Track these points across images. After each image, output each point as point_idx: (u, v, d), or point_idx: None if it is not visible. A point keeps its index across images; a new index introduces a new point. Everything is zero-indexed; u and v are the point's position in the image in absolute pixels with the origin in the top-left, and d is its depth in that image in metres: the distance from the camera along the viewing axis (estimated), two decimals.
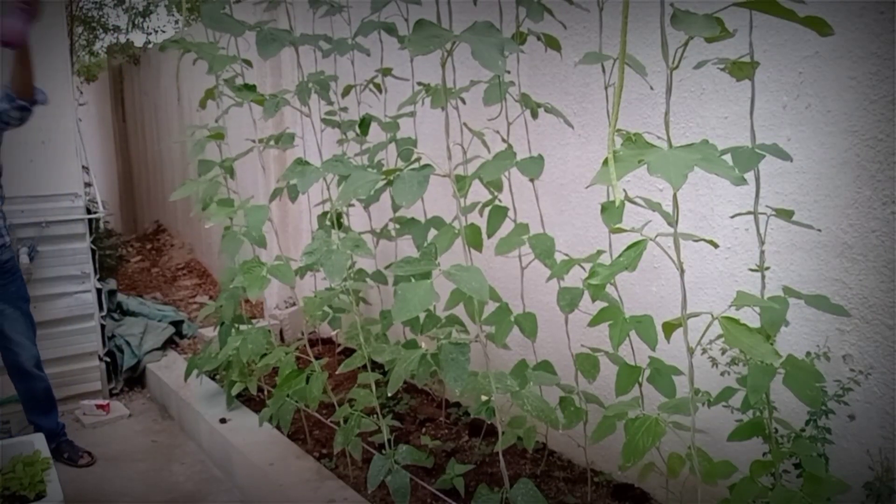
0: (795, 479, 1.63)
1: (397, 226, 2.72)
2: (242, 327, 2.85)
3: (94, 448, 3.16)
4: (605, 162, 1.05)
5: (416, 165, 1.61)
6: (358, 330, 2.40)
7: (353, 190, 1.55)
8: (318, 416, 2.83)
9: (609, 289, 1.88)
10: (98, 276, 3.71)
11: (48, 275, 3.46)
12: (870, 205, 1.69)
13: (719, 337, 1.24)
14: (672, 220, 1.23)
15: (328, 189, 2.64)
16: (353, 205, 3.09)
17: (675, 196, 1.16)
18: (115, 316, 4.14)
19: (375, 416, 2.35)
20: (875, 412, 1.74)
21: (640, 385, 1.85)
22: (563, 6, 2.03)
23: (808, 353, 1.72)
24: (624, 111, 2.15)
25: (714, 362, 1.77)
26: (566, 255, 1.98)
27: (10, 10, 2.40)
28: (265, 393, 3.16)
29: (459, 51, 1.80)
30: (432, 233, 2.39)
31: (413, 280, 1.55)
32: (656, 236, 1.27)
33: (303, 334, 2.90)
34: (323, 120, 2.84)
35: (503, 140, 2.12)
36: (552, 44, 2.10)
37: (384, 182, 1.57)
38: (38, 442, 2.44)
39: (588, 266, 1.62)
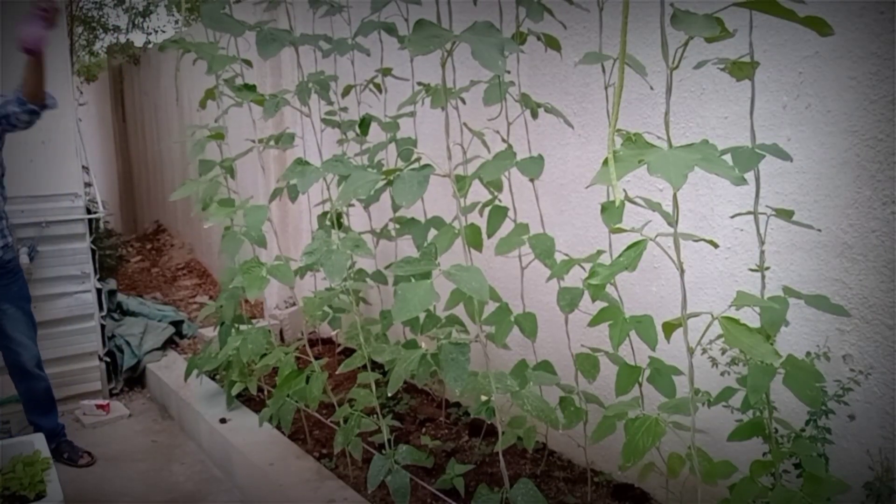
0: (795, 479, 1.63)
1: (397, 226, 2.72)
2: (242, 327, 2.86)
3: (94, 448, 3.16)
4: (605, 162, 1.05)
5: (416, 165, 1.62)
6: (358, 330, 2.40)
7: (353, 190, 1.55)
8: (318, 416, 2.83)
9: (609, 289, 1.89)
10: (98, 276, 3.71)
11: (48, 275, 3.46)
12: (870, 205, 1.69)
13: (719, 337, 1.24)
14: (672, 220, 1.23)
15: (328, 189, 2.64)
16: (353, 205, 3.09)
17: (675, 196, 1.16)
18: (115, 316, 4.14)
19: (375, 416, 2.35)
20: (875, 412, 1.74)
21: (640, 385, 1.85)
22: (563, 6, 2.03)
23: (808, 353, 1.72)
24: (624, 111, 2.15)
25: (714, 362, 1.77)
26: (566, 255, 1.98)
27: (29, 17, 2.41)
28: (265, 393, 3.16)
29: (459, 51, 1.80)
30: (432, 233, 2.39)
31: (413, 280, 1.55)
32: (656, 236, 1.27)
33: (303, 334, 2.90)
34: (323, 120, 2.84)
35: (503, 140, 2.12)
36: (552, 44, 2.10)
37: (384, 182, 1.57)
38: (38, 442, 2.44)
39: (588, 266, 1.62)
